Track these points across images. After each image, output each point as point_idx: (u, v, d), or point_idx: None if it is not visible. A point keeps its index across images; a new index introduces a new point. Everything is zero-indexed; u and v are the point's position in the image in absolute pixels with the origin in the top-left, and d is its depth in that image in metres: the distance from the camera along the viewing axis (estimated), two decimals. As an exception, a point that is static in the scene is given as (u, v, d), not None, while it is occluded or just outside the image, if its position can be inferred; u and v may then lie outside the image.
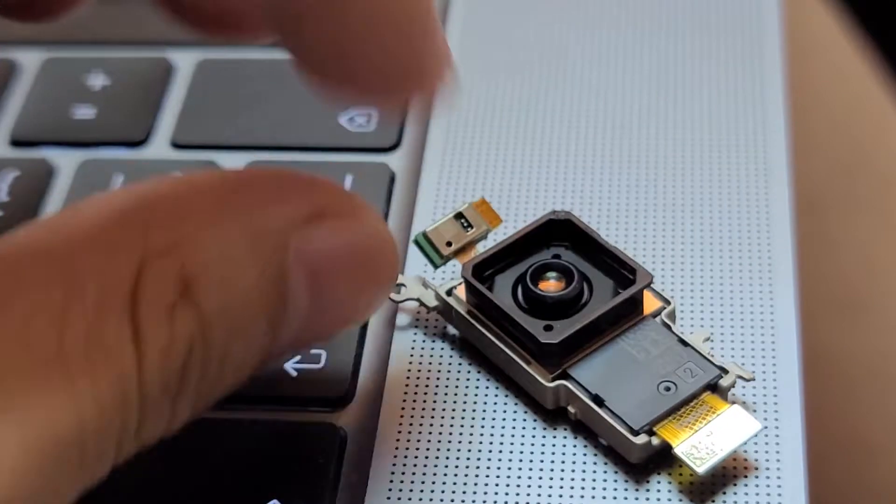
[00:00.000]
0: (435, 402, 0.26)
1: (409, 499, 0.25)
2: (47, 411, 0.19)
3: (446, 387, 0.26)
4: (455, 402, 0.26)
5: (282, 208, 0.22)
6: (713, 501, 0.24)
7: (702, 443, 0.24)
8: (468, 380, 0.26)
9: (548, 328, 0.25)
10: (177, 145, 0.32)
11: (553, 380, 0.25)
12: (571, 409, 0.25)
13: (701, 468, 0.24)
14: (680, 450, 0.24)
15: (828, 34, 0.49)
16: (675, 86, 0.32)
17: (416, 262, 0.28)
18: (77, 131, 0.32)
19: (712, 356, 0.25)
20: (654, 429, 0.24)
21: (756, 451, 0.25)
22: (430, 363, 0.27)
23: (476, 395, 0.26)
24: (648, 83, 0.32)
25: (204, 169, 0.23)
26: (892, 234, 0.46)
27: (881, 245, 0.46)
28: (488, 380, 0.26)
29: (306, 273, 0.22)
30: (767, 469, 0.25)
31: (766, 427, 0.25)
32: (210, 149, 0.31)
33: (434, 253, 0.27)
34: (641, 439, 0.24)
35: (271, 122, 0.32)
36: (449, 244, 0.27)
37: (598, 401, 0.24)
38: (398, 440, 0.26)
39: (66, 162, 0.31)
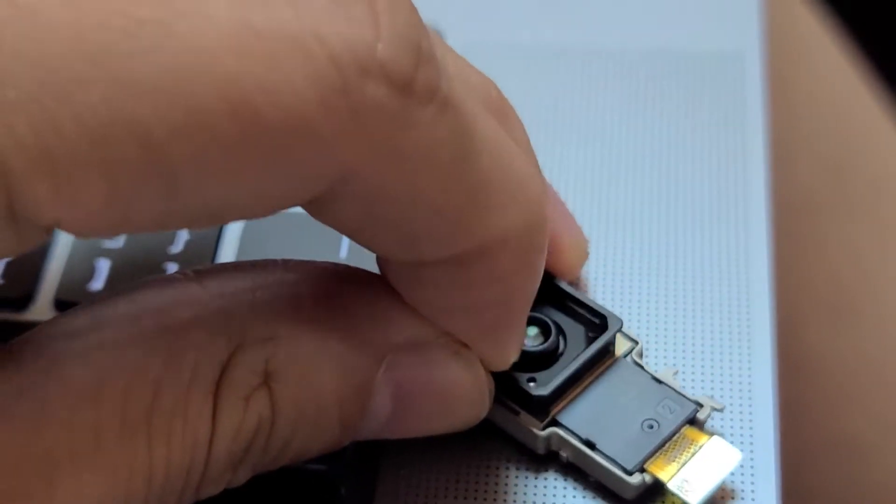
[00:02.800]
0: (428, 452, 0.27)
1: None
2: (127, 469, 0.21)
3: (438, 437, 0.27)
4: (448, 453, 0.27)
5: (384, 331, 0.24)
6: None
7: (691, 475, 0.25)
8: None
9: (531, 380, 0.26)
10: None
11: (544, 428, 0.26)
12: (563, 454, 0.26)
13: (695, 501, 0.25)
14: (672, 484, 0.25)
15: (816, 36, 0.50)
16: (659, 141, 0.33)
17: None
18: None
19: (685, 391, 0.26)
20: (645, 466, 0.25)
21: (732, 480, 0.26)
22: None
23: (468, 444, 0.27)
24: (633, 139, 0.33)
25: (328, 265, 0.25)
26: (882, 236, 0.47)
27: (871, 247, 0.47)
28: (478, 430, 0.27)
29: (393, 390, 0.24)
30: (742, 497, 0.26)
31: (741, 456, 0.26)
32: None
33: None
34: (636, 478, 0.25)
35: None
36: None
37: (590, 444, 0.26)
38: (391, 489, 0.27)
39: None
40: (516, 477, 0.26)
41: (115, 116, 0.19)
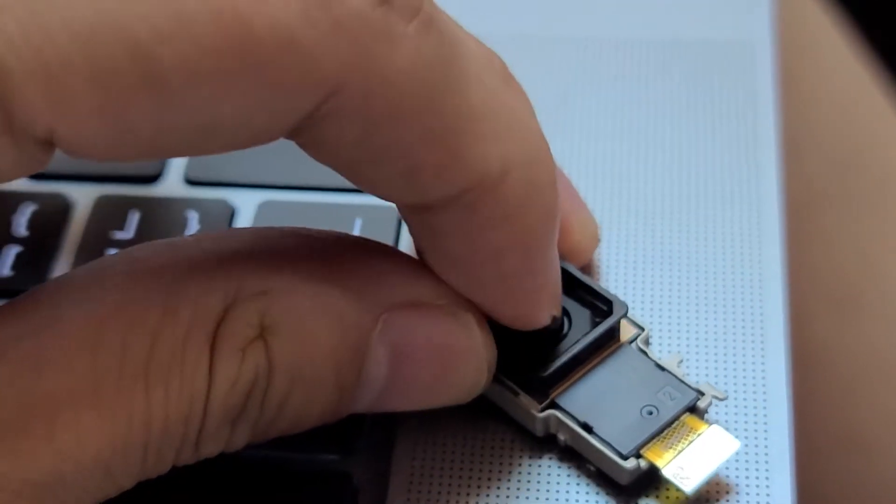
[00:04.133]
0: (432, 435, 0.27)
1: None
2: (126, 414, 0.22)
3: (441, 419, 0.27)
4: (452, 436, 0.27)
5: (381, 290, 0.24)
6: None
7: (687, 463, 0.25)
8: (461, 414, 0.27)
9: (533, 360, 0.26)
10: (190, 182, 0.33)
11: (542, 409, 0.26)
12: (561, 437, 0.26)
13: (689, 488, 0.25)
14: (667, 471, 0.25)
15: (823, 31, 0.50)
16: (670, 135, 0.33)
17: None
18: (93, 165, 0.33)
19: (688, 378, 0.27)
20: (641, 452, 0.25)
21: (747, 469, 0.26)
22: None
23: (471, 427, 0.27)
24: (645, 132, 0.33)
25: (326, 231, 0.25)
26: (888, 230, 0.47)
27: (878, 242, 0.47)
28: (480, 412, 0.27)
29: (389, 351, 0.24)
30: (757, 486, 0.26)
31: (756, 446, 0.27)
32: (222, 186, 0.33)
33: None
34: (631, 463, 0.25)
35: (284, 161, 0.33)
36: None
37: (587, 428, 0.26)
38: (405, 479, 0.27)
39: (82, 196, 0.33)
40: (519, 459, 0.27)
41: (103, 21, 0.20)
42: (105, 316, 0.22)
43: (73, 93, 0.20)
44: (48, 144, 0.21)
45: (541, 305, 0.25)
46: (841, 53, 0.50)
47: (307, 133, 0.22)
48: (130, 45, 0.20)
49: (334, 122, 0.22)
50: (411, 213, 0.24)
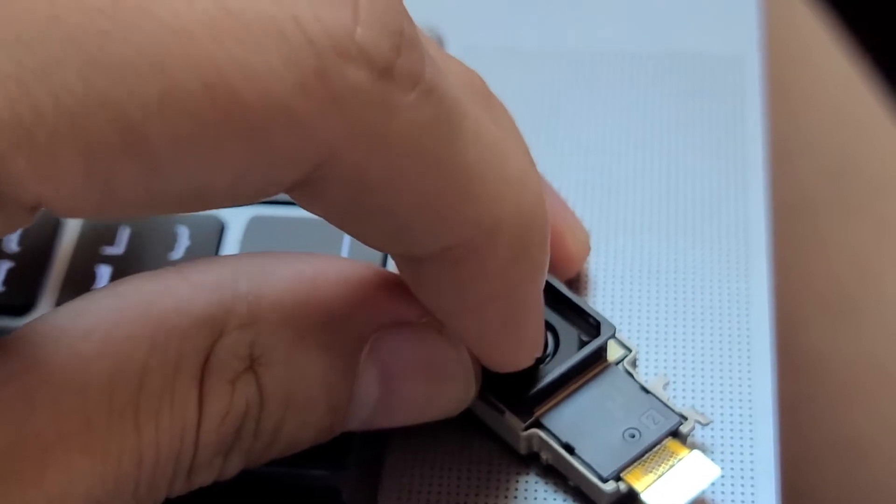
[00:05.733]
0: (419, 451, 0.28)
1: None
2: (117, 452, 0.22)
3: (429, 436, 0.28)
4: (439, 452, 0.28)
5: (367, 312, 0.24)
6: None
7: (666, 488, 0.25)
8: (449, 430, 0.28)
9: (518, 380, 0.26)
10: None
11: (526, 428, 0.26)
12: (543, 456, 0.27)
13: None
14: (646, 495, 0.25)
15: (816, 36, 0.50)
16: (659, 148, 0.33)
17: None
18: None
19: (672, 402, 0.27)
20: (622, 475, 0.26)
21: (732, 488, 0.27)
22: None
23: (457, 444, 0.28)
24: (634, 145, 0.33)
25: (309, 255, 0.25)
26: (882, 236, 0.47)
27: (872, 247, 0.47)
28: (467, 429, 0.28)
29: (379, 370, 0.24)
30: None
31: (742, 468, 0.27)
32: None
33: None
34: (610, 486, 0.26)
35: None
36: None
37: (569, 449, 0.26)
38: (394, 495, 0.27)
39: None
40: (505, 476, 0.27)
41: (91, 95, 0.20)
42: (93, 354, 0.22)
43: (61, 165, 0.20)
44: (35, 207, 0.21)
45: (521, 353, 0.26)
46: (833, 59, 0.50)
47: (298, 191, 0.22)
48: (117, 119, 0.20)
49: (326, 185, 0.22)
50: (399, 258, 0.25)
